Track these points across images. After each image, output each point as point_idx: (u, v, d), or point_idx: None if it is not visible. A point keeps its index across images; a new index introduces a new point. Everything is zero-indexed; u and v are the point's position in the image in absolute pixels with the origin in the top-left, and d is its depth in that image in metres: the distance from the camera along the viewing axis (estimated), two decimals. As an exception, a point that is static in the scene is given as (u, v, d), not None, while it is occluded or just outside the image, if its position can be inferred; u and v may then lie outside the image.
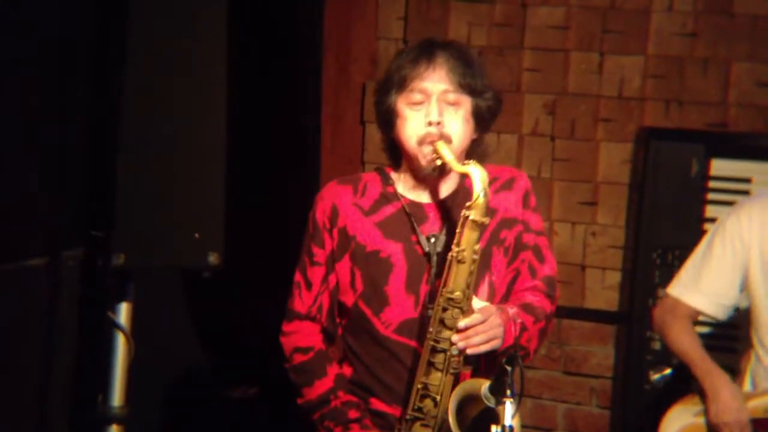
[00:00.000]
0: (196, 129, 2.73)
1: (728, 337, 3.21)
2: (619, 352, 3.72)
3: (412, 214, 2.32)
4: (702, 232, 3.29)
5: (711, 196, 3.56)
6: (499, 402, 2.03)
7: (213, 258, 2.75)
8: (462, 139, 2.28)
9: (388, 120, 2.32)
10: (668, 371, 3.45)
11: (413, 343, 2.27)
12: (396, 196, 2.35)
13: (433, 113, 2.25)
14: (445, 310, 2.19)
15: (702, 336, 2.98)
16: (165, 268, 2.94)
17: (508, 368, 2.01)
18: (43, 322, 2.75)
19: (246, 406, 3.61)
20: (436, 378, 2.21)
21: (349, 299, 2.34)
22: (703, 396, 2.81)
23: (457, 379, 2.21)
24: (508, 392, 2.01)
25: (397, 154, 2.37)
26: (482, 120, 2.32)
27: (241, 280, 3.23)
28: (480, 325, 2.18)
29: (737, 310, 2.92)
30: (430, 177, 2.32)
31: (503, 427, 2.00)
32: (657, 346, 3.48)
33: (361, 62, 3.90)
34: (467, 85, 2.27)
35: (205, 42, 2.73)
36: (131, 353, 2.82)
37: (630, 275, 3.66)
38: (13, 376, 2.68)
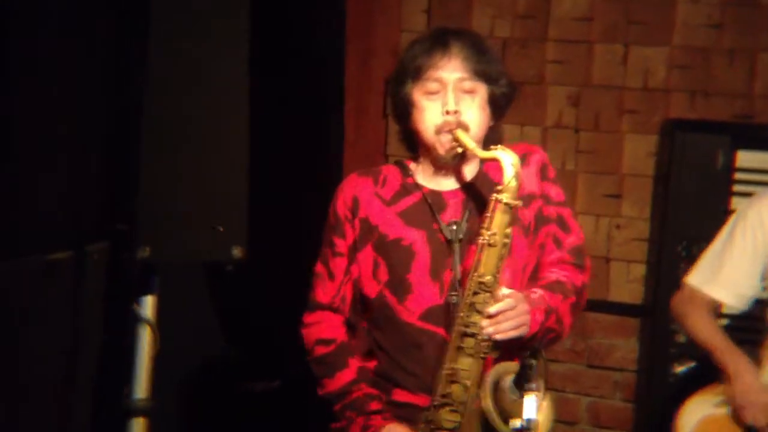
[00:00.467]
0: (220, 123, 2.75)
1: (751, 330, 3.18)
2: (644, 345, 3.70)
3: (432, 202, 2.31)
4: (728, 225, 3.27)
5: (737, 188, 3.52)
6: (522, 396, 2.02)
7: (237, 251, 2.76)
8: (479, 127, 2.27)
9: (404, 111, 2.31)
10: (693, 364, 3.43)
11: (438, 330, 2.26)
12: (416, 186, 2.34)
13: (450, 102, 2.24)
14: (476, 294, 2.18)
15: (724, 329, 2.95)
16: (189, 262, 2.95)
17: (532, 362, 2.00)
18: (68, 315, 2.77)
19: (268, 399, 3.62)
20: (465, 363, 2.19)
21: (372, 290, 2.34)
22: (724, 386, 2.78)
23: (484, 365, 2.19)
24: (533, 385, 1.99)
25: (414, 145, 2.36)
26: (498, 107, 2.31)
27: (264, 273, 3.24)
28: (510, 311, 2.17)
29: (757, 301, 2.89)
30: (448, 165, 2.31)
31: (526, 420, 1.99)
32: (681, 339, 3.45)
33: (383, 56, 3.89)
34: (482, 73, 2.26)
35: (229, 36, 2.74)
36: (156, 346, 2.84)
37: (655, 268, 3.63)
38: (39, 369, 2.71)
